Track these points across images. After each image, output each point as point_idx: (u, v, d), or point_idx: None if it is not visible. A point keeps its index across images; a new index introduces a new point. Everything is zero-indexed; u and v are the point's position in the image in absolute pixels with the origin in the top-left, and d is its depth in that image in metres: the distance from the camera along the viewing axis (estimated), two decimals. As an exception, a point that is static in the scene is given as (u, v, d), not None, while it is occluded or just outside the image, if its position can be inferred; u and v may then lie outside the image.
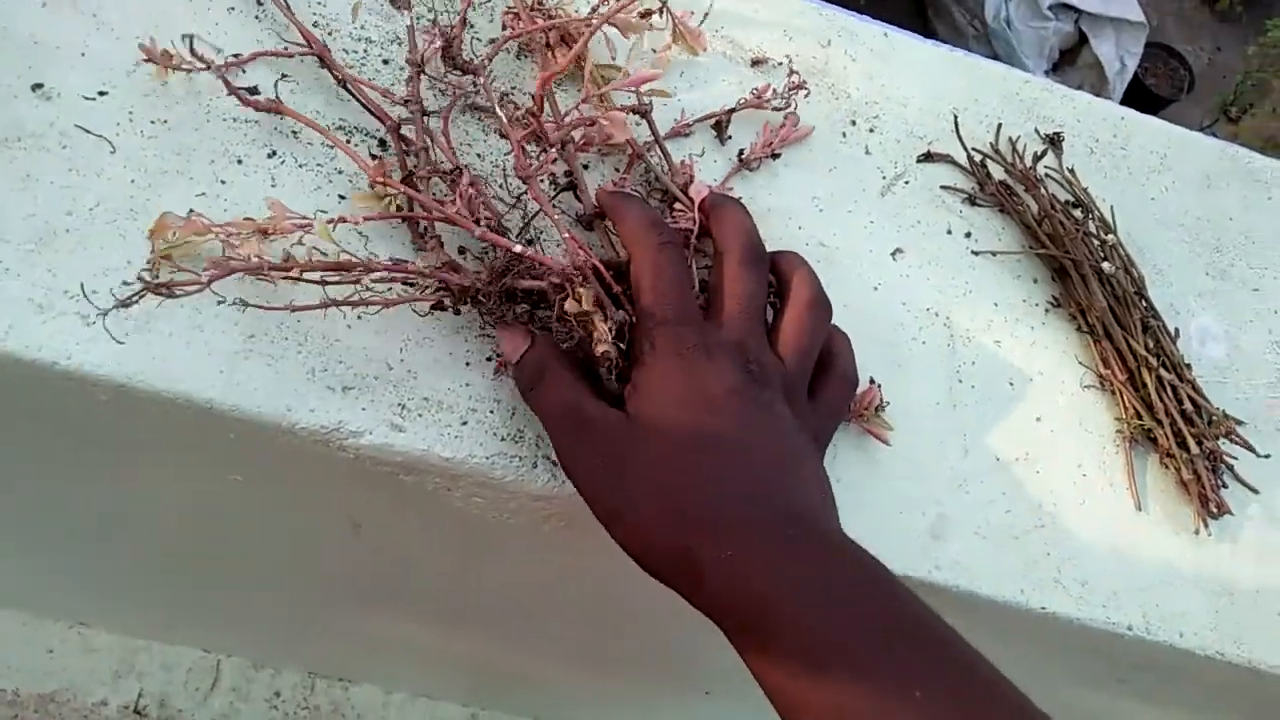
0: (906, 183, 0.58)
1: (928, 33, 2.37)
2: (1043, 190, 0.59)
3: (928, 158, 0.59)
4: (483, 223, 0.44)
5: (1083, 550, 0.52)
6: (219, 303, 0.41)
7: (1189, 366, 0.56)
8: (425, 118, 0.48)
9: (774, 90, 0.56)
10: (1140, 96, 2.59)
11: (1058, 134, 0.62)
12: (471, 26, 0.54)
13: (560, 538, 0.50)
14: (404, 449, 0.44)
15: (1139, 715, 0.68)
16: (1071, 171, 0.61)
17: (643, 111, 0.51)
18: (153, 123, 0.46)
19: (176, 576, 0.86)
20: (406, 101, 0.48)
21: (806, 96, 0.57)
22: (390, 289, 0.44)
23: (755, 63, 0.58)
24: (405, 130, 0.48)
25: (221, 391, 0.42)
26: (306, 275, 0.40)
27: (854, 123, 0.59)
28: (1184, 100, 2.66)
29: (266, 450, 0.45)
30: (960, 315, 0.56)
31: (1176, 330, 0.57)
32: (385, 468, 0.45)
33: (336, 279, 0.41)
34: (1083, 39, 2.46)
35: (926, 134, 0.60)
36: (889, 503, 0.50)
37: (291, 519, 0.59)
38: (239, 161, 0.47)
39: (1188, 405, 0.54)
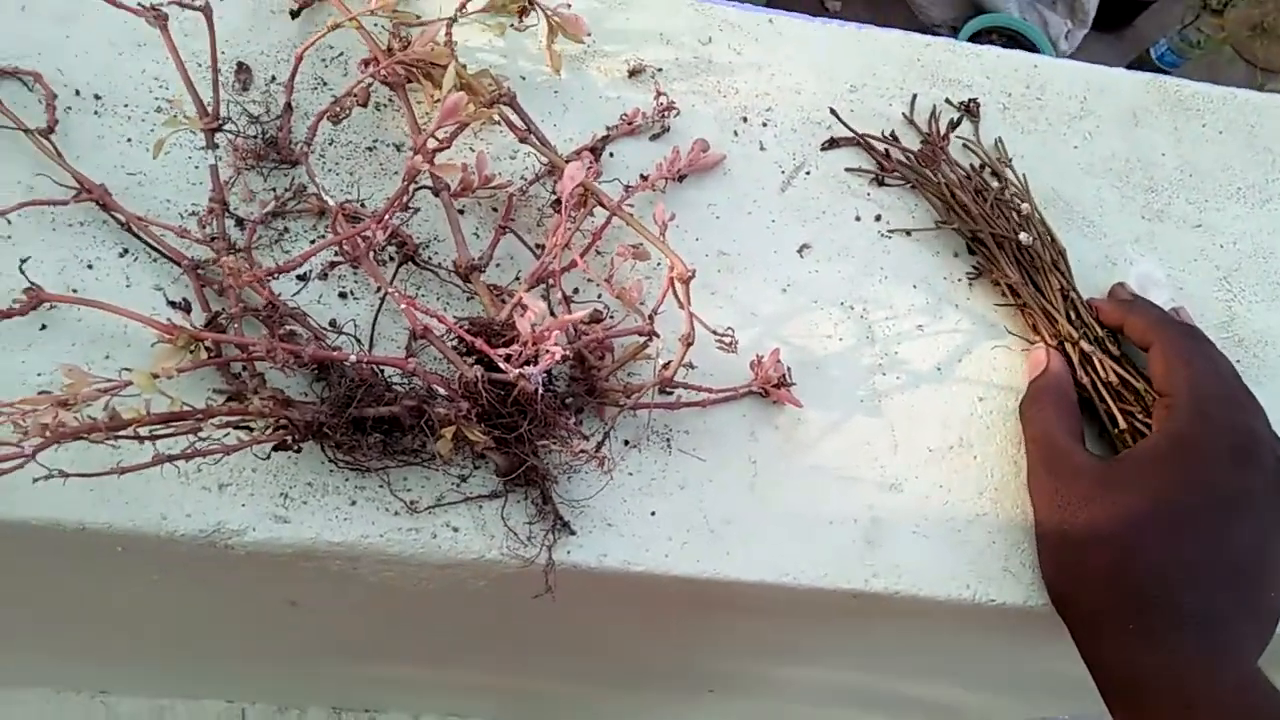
0: (808, 173, 0.56)
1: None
2: (951, 161, 0.56)
3: (831, 144, 0.57)
4: (307, 355, 0.41)
5: (1030, 534, 0.50)
6: (38, 479, 0.37)
7: (1111, 337, 0.53)
8: (234, 253, 0.46)
9: (643, 115, 0.54)
10: (1118, 4, 2.51)
11: (973, 101, 0.59)
12: (325, 85, 0.52)
13: (490, 594, 0.49)
14: (292, 540, 0.43)
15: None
16: (995, 143, 0.58)
17: (507, 99, 0.49)
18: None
19: (179, 648, 0.86)
20: (212, 239, 0.46)
21: (677, 115, 0.55)
22: (227, 434, 0.42)
23: (632, 73, 0.56)
24: (208, 271, 0.46)
25: (90, 512, 0.41)
26: (140, 432, 0.38)
27: (745, 119, 0.57)
28: (1162, 0, 2.57)
29: (159, 558, 0.44)
30: (877, 303, 0.53)
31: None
32: (280, 558, 0.44)
33: (168, 432, 0.39)
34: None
35: (824, 119, 0.58)
36: (818, 514, 0.48)
37: (229, 603, 0.58)
38: (90, 266, 0.46)
39: (1113, 378, 0.51)
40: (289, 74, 0.51)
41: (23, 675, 1.05)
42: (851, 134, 0.57)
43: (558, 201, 0.51)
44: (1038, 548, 0.49)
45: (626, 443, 0.47)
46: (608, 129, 0.54)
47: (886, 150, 0.56)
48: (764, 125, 0.57)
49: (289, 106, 0.50)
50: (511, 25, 0.54)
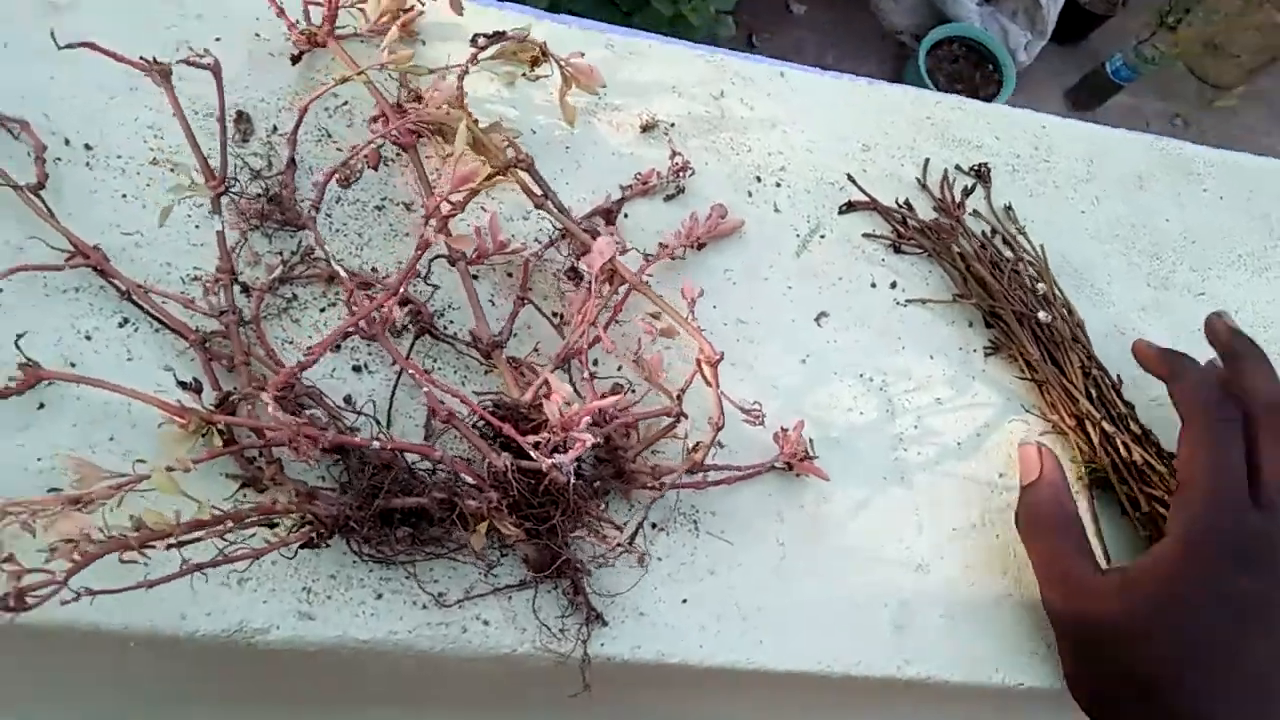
0: (822, 237, 0.59)
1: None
2: (966, 229, 0.60)
3: (849, 208, 0.60)
4: (330, 433, 0.42)
5: (1053, 613, 0.54)
6: (66, 603, 0.36)
7: (1133, 414, 0.57)
8: (241, 327, 0.47)
9: (658, 174, 0.56)
10: (1076, 17, 2.63)
11: (984, 165, 0.63)
12: (330, 138, 0.53)
13: (519, 686, 0.51)
14: (318, 638, 0.44)
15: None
16: (1005, 209, 0.63)
17: (525, 164, 0.50)
18: (-17, 310, 0.45)
19: None
20: (221, 313, 0.47)
21: (692, 175, 0.57)
22: (253, 535, 0.43)
23: (645, 128, 0.58)
24: (215, 344, 0.47)
25: (106, 615, 0.42)
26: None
27: (759, 179, 0.59)
28: (1120, 13, 2.70)
29: (186, 659, 0.45)
30: (896, 376, 0.57)
31: (1119, 377, 0.58)
32: (305, 653, 0.45)
33: (194, 538, 0.39)
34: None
35: (837, 179, 0.61)
36: (846, 598, 0.51)
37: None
38: (87, 337, 0.46)
39: (1137, 459, 0.55)
40: (292, 125, 0.51)
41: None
42: (867, 199, 0.60)
43: (573, 270, 0.53)
44: (1062, 660, 0.52)
45: (654, 525, 0.50)
46: (622, 189, 0.56)
47: (903, 217, 0.60)
48: (778, 185, 0.60)
49: (292, 162, 0.51)
50: (522, 75, 0.55)
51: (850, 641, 0.50)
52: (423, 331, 0.50)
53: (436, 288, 0.51)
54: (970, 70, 2.54)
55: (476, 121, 0.51)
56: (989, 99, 2.54)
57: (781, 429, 0.52)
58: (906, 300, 0.59)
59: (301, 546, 0.43)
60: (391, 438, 0.47)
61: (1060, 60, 2.75)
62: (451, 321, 0.51)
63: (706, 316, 0.55)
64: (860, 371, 0.56)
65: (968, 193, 0.62)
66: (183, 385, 0.45)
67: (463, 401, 0.45)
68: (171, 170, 0.50)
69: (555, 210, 0.51)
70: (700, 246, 0.56)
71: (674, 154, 0.57)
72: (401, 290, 0.46)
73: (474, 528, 0.43)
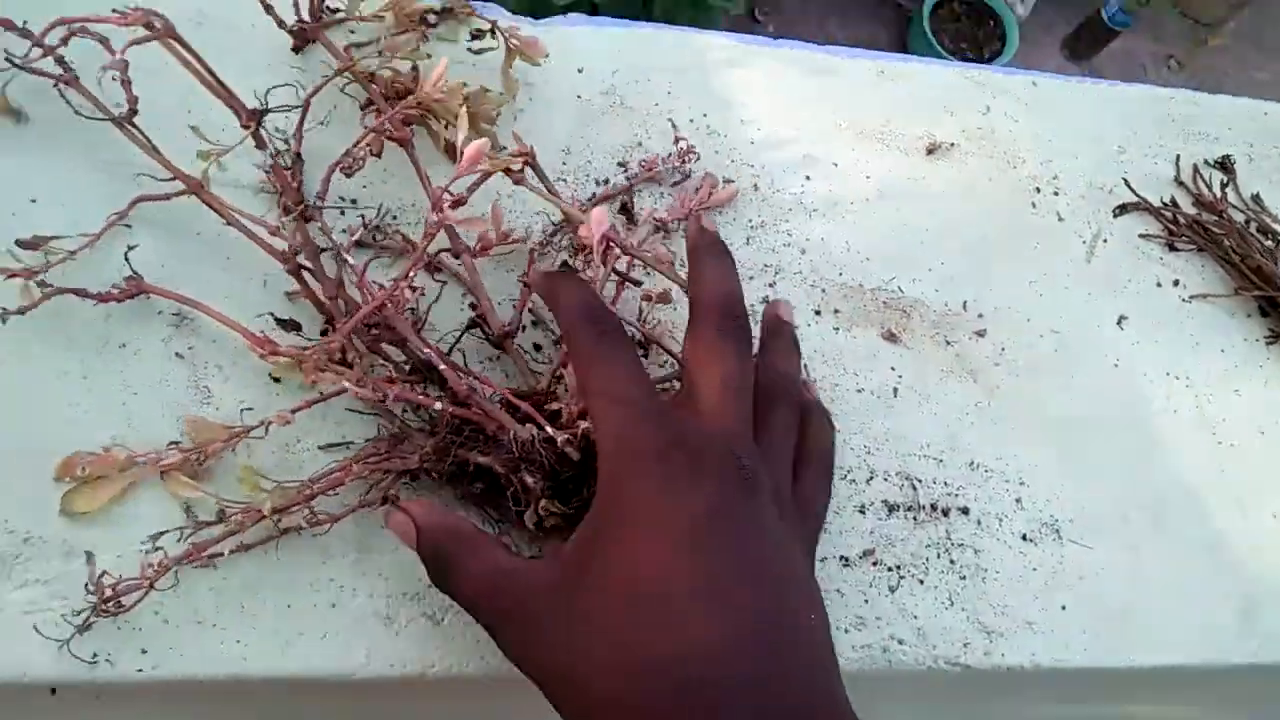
0: (1105, 241, 0.62)
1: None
2: (1233, 221, 0.63)
3: (1122, 210, 0.63)
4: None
5: (1369, 585, 0.57)
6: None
7: None
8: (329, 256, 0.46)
9: (661, 159, 0.56)
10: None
11: (1228, 158, 0.66)
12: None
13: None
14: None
15: None
16: (1254, 197, 0.66)
17: (528, 159, 0.48)
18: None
19: None
20: (332, 250, 0.46)
21: (697, 160, 0.57)
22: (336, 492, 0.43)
23: (930, 151, 0.61)
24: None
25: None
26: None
27: (1038, 190, 0.62)
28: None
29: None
30: (1197, 372, 0.60)
31: (1392, 342, 0.62)
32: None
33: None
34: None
35: (1104, 183, 0.63)
36: (1197, 596, 0.54)
37: None
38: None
39: None
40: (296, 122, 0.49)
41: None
42: (1139, 200, 0.63)
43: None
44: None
45: (1024, 537, 0.52)
46: (628, 179, 0.56)
47: (1173, 215, 0.63)
48: (1055, 194, 0.62)
49: (299, 157, 0.49)
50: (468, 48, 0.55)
51: (1201, 635, 0.53)
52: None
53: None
54: (973, 29, 2.58)
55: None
56: (994, 56, 2.58)
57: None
58: (1190, 296, 0.62)
59: (384, 501, 0.43)
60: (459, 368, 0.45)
61: (1053, 11, 2.80)
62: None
63: (1023, 329, 0.57)
64: (1166, 371, 0.59)
65: (1224, 186, 0.65)
66: (281, 324, 0.46)
67: (482, 382, 0.44)
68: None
69: (548, 194, 0.49)
70: (686, 217, 0.55)
71: (678, 139, 0.57)
72: (412, 275, 0.43)
73: (529, 502, 0.42)
